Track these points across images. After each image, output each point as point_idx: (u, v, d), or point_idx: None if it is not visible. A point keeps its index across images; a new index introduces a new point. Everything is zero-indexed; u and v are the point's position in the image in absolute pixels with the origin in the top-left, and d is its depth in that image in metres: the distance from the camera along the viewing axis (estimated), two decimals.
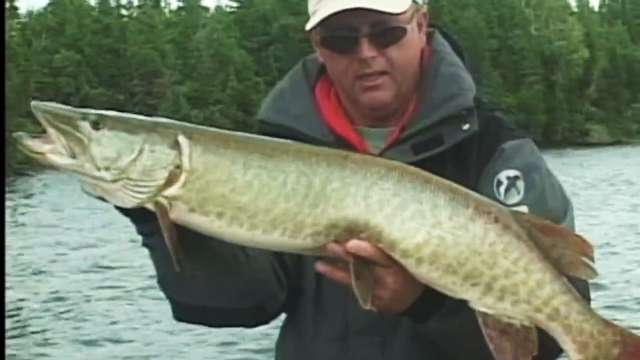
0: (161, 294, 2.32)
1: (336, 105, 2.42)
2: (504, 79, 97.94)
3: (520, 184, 2.29)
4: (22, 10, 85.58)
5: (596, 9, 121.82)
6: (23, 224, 26.65)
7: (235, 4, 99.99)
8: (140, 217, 2.03)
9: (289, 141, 2.07)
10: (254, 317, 2.37)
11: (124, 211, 2.04)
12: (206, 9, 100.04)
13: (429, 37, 2.43)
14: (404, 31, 2.28)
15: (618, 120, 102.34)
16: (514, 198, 2.26)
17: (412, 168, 2.03)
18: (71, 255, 20.18)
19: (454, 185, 2.03)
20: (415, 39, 2.33)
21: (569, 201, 2.36)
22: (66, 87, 76.01)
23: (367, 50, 2.25)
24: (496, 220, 1.98)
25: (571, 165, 48.16)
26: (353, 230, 1.97)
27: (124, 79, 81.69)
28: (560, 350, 2.15)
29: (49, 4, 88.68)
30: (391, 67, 2.29)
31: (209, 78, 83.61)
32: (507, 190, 2.28)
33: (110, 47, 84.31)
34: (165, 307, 2.36)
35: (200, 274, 2.10)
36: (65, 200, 33.50)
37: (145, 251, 2.22)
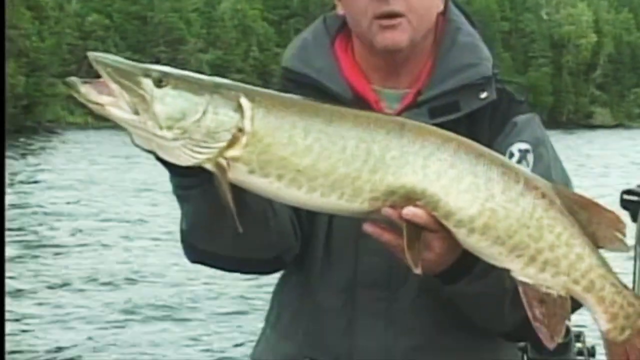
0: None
1: (354, 62, 2.39)
2: (513, 60, 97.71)
3: (530, 156, 2.29)
4: None
5: None
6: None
7: None
8: (184, 171, 1.98)
9: (345, 108, 2.04)
10: (272, 266, 2.36)
11: (167, 164, 1.98)
12: None
13: (444, 8, 2.40)
14: None
15: (621, 104, 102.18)
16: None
17: (467, 140, 2.01)
18: None
19: (505, 159, 2.05)
20: None
21: (569, 177, 2.38)
22: (94, 50, 75.63)
23: None
24: (543, 195, 1.99)
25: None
26: (410, 197, 1.95)
27: (149, 45, 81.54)
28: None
29: None
30: (409, 10, 2.24)
31: (232, 47, 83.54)
32: (518, 162, 2.27)
33: (138, 13, 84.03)
34: None
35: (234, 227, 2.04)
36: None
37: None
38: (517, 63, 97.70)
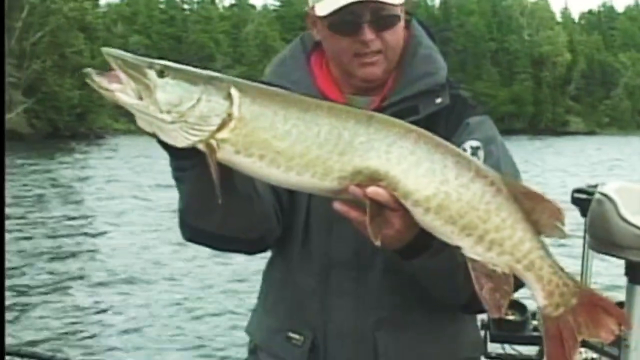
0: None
1: (328, 74, 2.39)
2: (500, 75, 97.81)
3: (481, 153, 2.27)
4: (102, 2, 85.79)
5: (577, 20, 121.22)
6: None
7: (277, 3, 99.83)
8: (181, 153, 1.98)
9: (321, 101, 2.06)
10: (255, 247, 2.34)
11: (166, 147, 1.99)
12: (254, 6, 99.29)
13: (407, 23, 2.40)
14: (398, 19, 2.28)
15: (593, 113, 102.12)
16: None
17: (427, 132, 1.99)
18: None
19: (460, 150, 2.04)
20: (402, 25, 2.34)
21: (519, 171, 2.37)
22: None
23: (368, 33, 2.24)
24: (492, 183, 1.96)
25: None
26: (374, 178, 1.94)
27: (184, 62, 77.92)
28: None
29: None
30: (385, 48, 2.27)
31: (255, 64, 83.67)
32: None
33: (174, 34, 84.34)
34: None
35: (224, 206, 2.00)
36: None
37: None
38: (503, 77, 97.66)
